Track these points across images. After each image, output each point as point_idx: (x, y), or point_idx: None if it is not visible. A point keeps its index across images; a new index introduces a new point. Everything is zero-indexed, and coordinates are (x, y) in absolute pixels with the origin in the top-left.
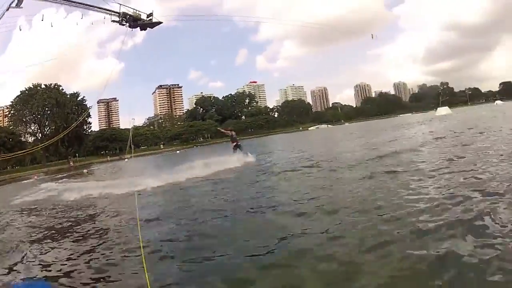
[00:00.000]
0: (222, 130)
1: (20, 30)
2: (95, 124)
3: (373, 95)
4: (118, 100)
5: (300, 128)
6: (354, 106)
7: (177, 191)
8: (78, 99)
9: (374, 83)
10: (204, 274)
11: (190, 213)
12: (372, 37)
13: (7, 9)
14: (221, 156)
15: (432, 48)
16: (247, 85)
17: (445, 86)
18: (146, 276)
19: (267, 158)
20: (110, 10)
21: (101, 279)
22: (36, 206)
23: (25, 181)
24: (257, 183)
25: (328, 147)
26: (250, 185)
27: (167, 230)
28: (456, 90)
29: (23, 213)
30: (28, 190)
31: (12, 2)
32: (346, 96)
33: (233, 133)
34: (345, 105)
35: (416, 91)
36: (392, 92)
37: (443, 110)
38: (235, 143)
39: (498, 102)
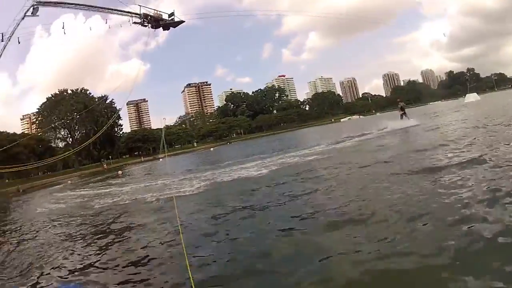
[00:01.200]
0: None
1: (40, 37)
2: (126, 125)
3: (402, 83)
4: (147, 101)
5: (332, 120)
6: (384, 95)
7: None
8: (106, 102)
9: (401, 72)
10: None
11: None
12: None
13: (23, 18)
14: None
15: (455, 34)
16: (276, 79)
17: (471, 72)
18: None
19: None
20: (130, 12)
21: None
22: (68, 212)
23: (58, 186)
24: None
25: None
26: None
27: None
28: (482, 76)
29: (55, 220)
30: (60, 195)
31: (27, 11)
32: (375, 86)
33: (402, 103)
34: (374, 95)
35: (444, 78)
36: (420, 80)
37: (472, 97)
38: (402, 112)
39: None
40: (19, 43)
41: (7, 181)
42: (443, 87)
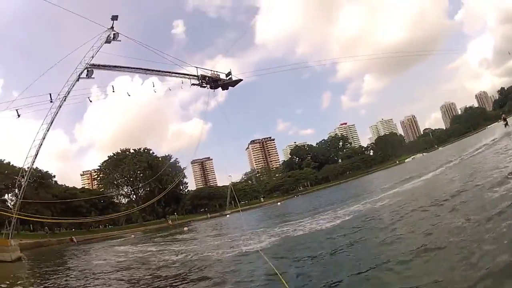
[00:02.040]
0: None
1: (97, 98)
2: (191, 183)
3: (459, 112)
4: (212, 159)
5: (397, 162)
6: (444, 128)
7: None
8: (170, 161)
9: (457, 100)
10: None
11: None
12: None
13: (77, 80)
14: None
15: (498, 46)
16: (338, 127)
17: None
18: None
19: None
20: (188, 75)
21: None
22: (128, 266)
23: (121, 239)
24: None
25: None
26: None
27: None
28: None
29: (113, 272)
30: (122, 249)
31: (81, 73)
32: (434, 120)
33: (504, 115)
34: (435, 129)
35: (497, 97)
36: (476, 104)
37: None
38: (505, 122)
39: None
40: (90, 101)
41: (63, 231)
42: (498, 106)
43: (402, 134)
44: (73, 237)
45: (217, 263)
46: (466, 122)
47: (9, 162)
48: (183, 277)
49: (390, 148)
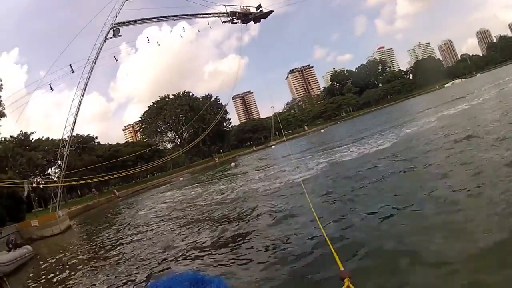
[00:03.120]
0: None
1: (127, 54)
2: (234, 119)
3: (494, 40)
4: (252, 93)
5: (437, 87)
6: (481, 54)
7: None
8: (211, 100)
9: (491, 28)
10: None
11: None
12: None
13: (104, 41)
14: None
15: None
16: (376, 52)
17: None
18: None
19: None
20: (217, 13)
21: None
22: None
23: (168, 185)
24: None
25: None
26: None
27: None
28: None
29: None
30: (169, 194)
31: (107, 33)
32: (471, 46)
33: None
34: (473, 55)
35: None
36: (510, 34)
37: None
38: None
39: None
40: (116, 60)
41: (111, 188)
42: None
43: (440, 58)
44: (115, 191)
45: (259, 198)
46: (502, 51)
47: (48, 138)
48: (224, 216)
49: (429, 73)
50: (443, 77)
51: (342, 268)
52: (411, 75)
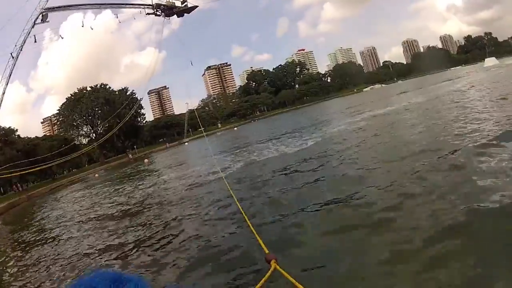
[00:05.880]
0: None
1: (50, 40)
2: (149, 114)
3: (421, 50)
4: (168, 88)
5: (355, 90)
6: (405, 63)
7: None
8: (127, 93)
9: (420, 38)
10: None
11: None
12: None
13: (33, 26)
14: None
15: None
16: (296, 53)
17: (489, 37)
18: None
19: None
20: (142, 5)
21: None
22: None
23: (82, 183)
24: None
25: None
26: None
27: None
28: (500, 39)
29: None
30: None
31: (36, 19)
32: (395, 54)
33: None
34: (395, 62)
35: (463, 43)
36: (440, 45)
37: (491, 61)
38: None
39: None
40: (35, 41)
41: (31, 185)
42: (463, 52)
43: (361, 64)
44: (18, 184)
45: (180, 196)
46: (428, 61)
47: None
48: (144, 215)
49: (348, 77)
50: (362, 82)
51: (267, 252)
52: (329, 78)
